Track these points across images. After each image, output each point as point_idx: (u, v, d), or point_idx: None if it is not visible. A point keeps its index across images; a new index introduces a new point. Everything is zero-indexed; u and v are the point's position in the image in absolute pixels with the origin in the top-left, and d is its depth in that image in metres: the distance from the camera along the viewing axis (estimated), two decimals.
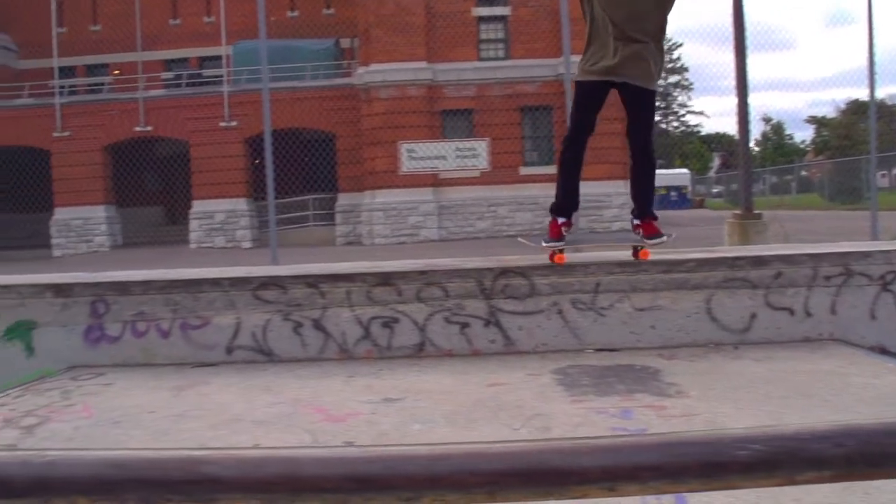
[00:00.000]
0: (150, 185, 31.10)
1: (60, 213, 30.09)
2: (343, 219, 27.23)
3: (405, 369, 4.76)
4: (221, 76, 30.26)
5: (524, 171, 25.47)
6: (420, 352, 5.10)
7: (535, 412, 3.75)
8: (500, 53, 27.05)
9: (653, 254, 5.37)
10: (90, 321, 5.33)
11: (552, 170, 25.76)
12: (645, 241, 5.27)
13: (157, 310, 5.22)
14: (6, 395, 4.78)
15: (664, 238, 5.21)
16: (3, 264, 19.13)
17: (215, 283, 5.18)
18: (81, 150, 29.58)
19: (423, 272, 5.13)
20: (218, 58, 32.14)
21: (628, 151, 5.37)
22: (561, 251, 5.29)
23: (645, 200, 5.36)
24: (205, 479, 0.92)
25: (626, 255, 5.51)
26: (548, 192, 25.17)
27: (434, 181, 25.00)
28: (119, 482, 0.93)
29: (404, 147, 24.53)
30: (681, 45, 67.56)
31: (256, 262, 12.41)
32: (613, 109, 5.22)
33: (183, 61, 35.49)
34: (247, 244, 27.72)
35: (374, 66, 26.06)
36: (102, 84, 33.82)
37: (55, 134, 29.92)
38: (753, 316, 5.10)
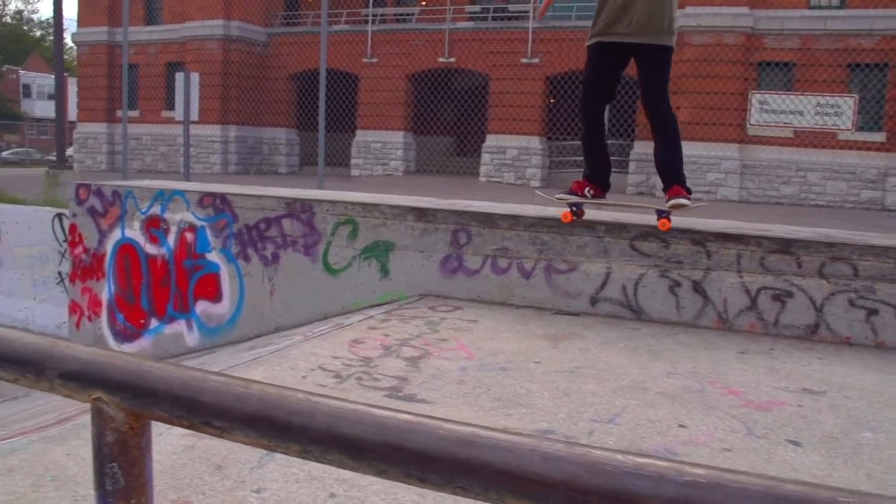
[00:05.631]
0: (444, 115, 31.72)
1: (362, 135, 31.61)
2: (637, 167, 26.04)
3: (800, 353, 4.09)
4: (527, 11, 29.99)
5: (844, 135, 22.88)
6: (812, 334, 4.40)
7: None
8: (834, 1, 24.26)
9: None
10: (449, 250, 5.14)
11: (880, 137, 22.77)
12: (665, 204, 4.57)
13: (522, 248, 4.91)
14: (368, 315, 4.69)
15: (684, 201, 4.51)
16: (308, 179, 20.31)
17: (588, 226, 4.75)
18: (386, 77, 30.78)
19: (830, 244, 4.38)
20: None
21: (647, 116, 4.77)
22: (572, 210, 4.83)
23: (670, 168, 4.70)
24: None
25: None
26: (870, 163, 22.58)
27: (740, 137, 23.15)
28: None
29: (755, 98, 22.54)
30: None
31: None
32: None
33: None
34: (535, 183, 27.52)
35: (689, 9, 24.30)
36: (410, 14, 34.84)
37: (364, 60, 31.31)
38: None
